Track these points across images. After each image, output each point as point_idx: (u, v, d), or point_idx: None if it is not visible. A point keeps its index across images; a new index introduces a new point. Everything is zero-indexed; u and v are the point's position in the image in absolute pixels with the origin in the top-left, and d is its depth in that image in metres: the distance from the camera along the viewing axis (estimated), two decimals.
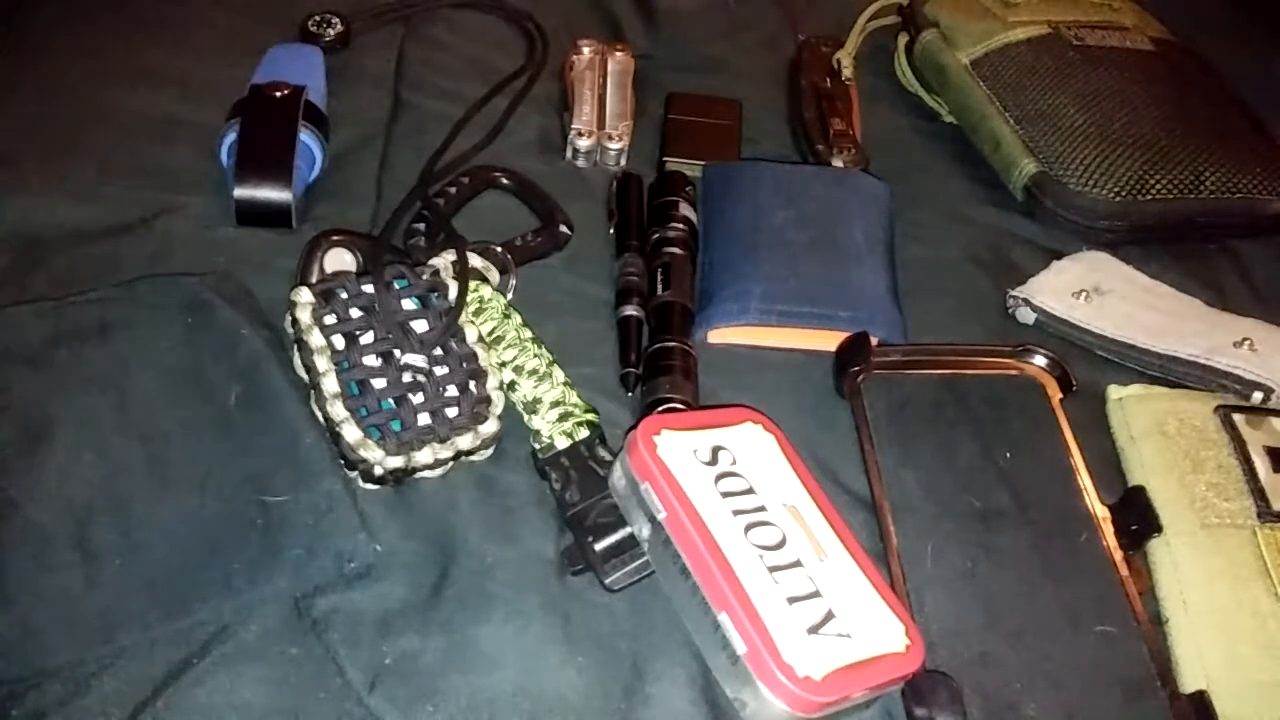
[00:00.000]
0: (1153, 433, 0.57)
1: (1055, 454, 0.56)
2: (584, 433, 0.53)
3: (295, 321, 0.54)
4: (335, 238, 0.60)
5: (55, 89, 0.70)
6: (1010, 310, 0.66)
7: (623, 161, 0.72)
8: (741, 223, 0.66)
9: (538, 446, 0.54)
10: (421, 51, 0.78)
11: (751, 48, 0.85)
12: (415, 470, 0.52)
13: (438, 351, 0.54)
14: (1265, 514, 0.53)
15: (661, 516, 0.47)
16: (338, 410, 0.51)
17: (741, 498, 0.48)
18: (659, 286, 0.62)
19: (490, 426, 0.53)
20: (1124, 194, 0.68)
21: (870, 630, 0.45)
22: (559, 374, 0.56)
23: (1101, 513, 0.54)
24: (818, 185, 0.68)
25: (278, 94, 0.65)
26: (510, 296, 0.61)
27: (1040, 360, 0.60)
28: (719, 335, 0.62)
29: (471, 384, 0.54)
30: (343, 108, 0.71)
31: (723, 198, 0.68)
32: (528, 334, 0.57)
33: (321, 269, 0.59)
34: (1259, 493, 0.53)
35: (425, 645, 0.47)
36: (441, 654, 0.47)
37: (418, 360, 0.53)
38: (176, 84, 0.71)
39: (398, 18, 0.81)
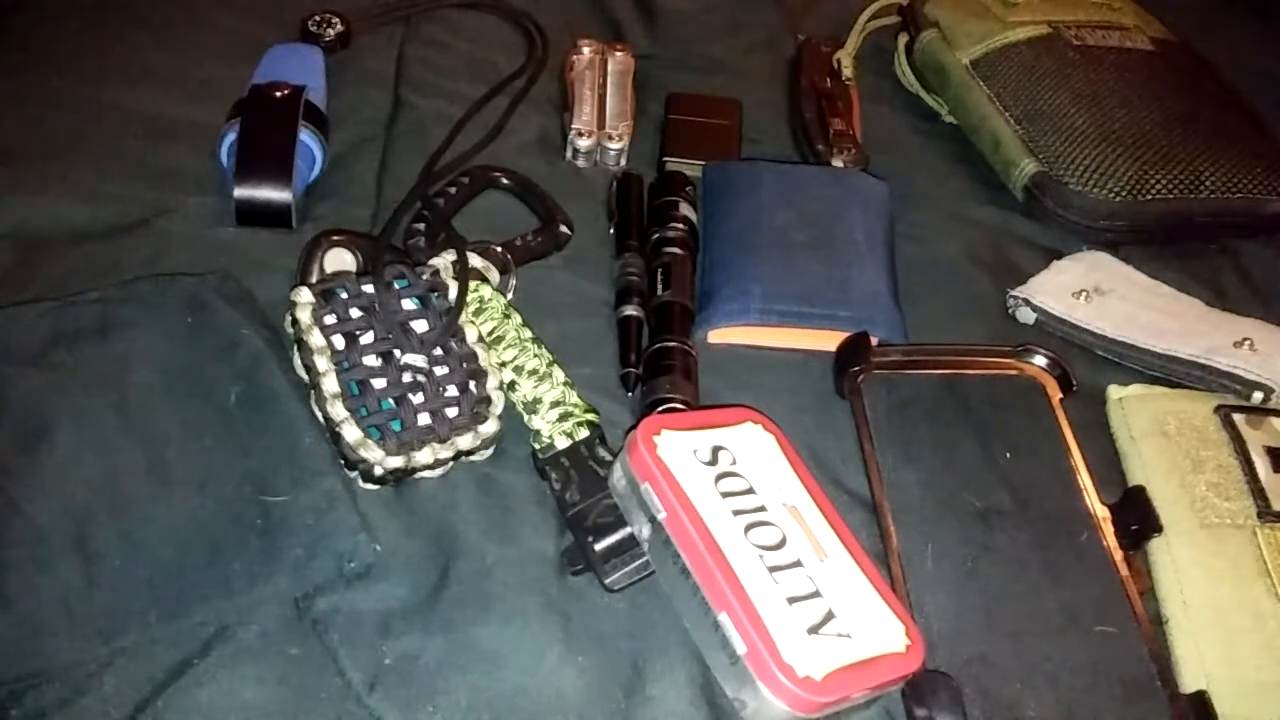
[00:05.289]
0: (1153, 433, 0.57)
1: (1055, 454, 0.56)
2: (584, 433, 0.53)
3: (295, 321, 0.54)
4: (335, 238, 0.60)
5: (55, 89, 0.70)
6: (1010, 310, 0.66)
7: (623, 161, 0.72)
8: (741, 223, 0.66)
9: (538, 446, 0.54)
10: (421, 51, 0.78)
11: (751, 48, 0.85)
12: (415, 470, 0.52)
13: (438, 351, 0.54)
14: (1265, 514, 0.53)
15: (661, 516, 0.47)
16: (338, 410, 0.51)
17: (741, 498, 0.48)
18: (659, 286, 0.62)
19: (490, 426, 0.53)
20: (1124, 194, 0.68)
21: (870, 630, 0.46)
22: (559, 374, 0.56)
23: (1101, 513, 0.54)
24: (818, 185, 0.68)
25: (278, 94, 0.65)
26: (510, 296, 0.61)
27: (1040, 360, 0.60)
28: (719, 335, 0.62)
29: (471, 384, 0.54)
30: (343, 108, 0.71)
31: (723, 198, 0.68)
32: (528, 334, 0.57)
33: (321, 269, 0.59)
34: (1259, 493, 0.53)
35: (425, 645, 0.47)
36: (441, 654, 0.47)
37: (418, 360, 0.53)
38: (176, 84, 0.71)
39: (398, 18, 0.80)
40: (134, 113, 0.69)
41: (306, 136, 0.65)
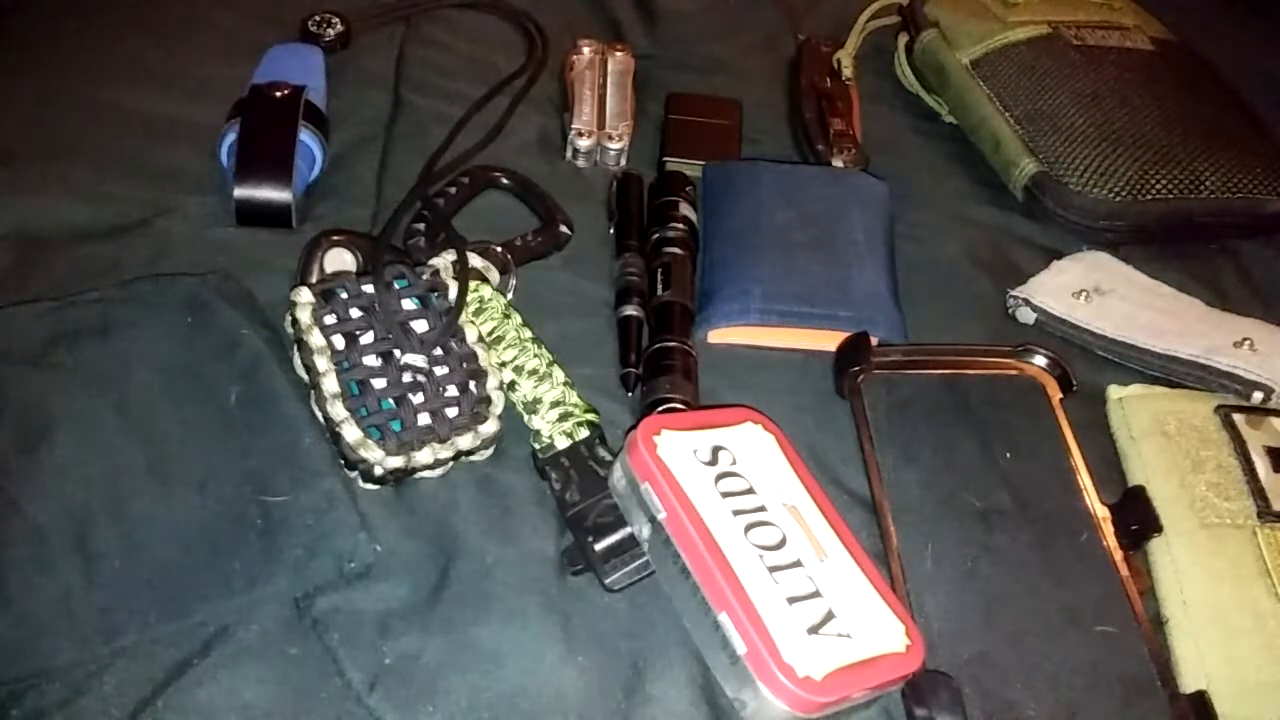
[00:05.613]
0: (1153, 433, 0.57)
1: (1055, 454, 0.56)
2: (584, 433, 0.53)
3: (295, 321, 0.54)
4: (335, 238, 0.60)
5: (55, 89, 0.70)
6: (1010, 310, 0.66)
7: (623, 161, 0.72)
8: (741, 223, 0.66)
9: (538, 446, 0.54)
10: (421, 51, 0.78)
11: (751, 48, 0.85)
12: (415, 470, 0.52)
13: (438, 351, 0.54)
14: (1265, 514, 0.53)
15: (661, 516, 0.47)
16: (338, 410, 0.51)
17: (741, 498, 0.48)
18: (659, 286, 0.62)
19: (490, 426, 0.53)
20: (1124, 194, 0.68)
21: (870, 630, 0.46)
22: (559, 374, 0.56)
23: (1101, 513, 0.54)
24: (818, 185, 0.68)
25: (278, 94, 0.65)
26: (510, 296, 0.61)
27: (1040, 360, 0.60)
28: (719, 335, 0.62)
29: (471, 384, 0.54)
30: (343, 108, 0.71)
31: (723, 197, 0.68)
32: (528, 334, 0.57)
33: (321, 269, 0.59)
34: (1259, 493, 0.53)
35: (425, 645, 0.47)
36: (441, 654, 0.47)
37: (418, 360, 0.53)
38: (176, 84, 0.71)
39: (398, 18, 0.80)
40: (134, 113, 0.69)
41: (306, 136, 0.65)
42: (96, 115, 0.68)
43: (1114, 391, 0.61)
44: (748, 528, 0.47)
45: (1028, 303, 0.65)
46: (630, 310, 0.61)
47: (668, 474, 0.48)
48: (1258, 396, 0.59)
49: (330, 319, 0.54)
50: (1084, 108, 0.72)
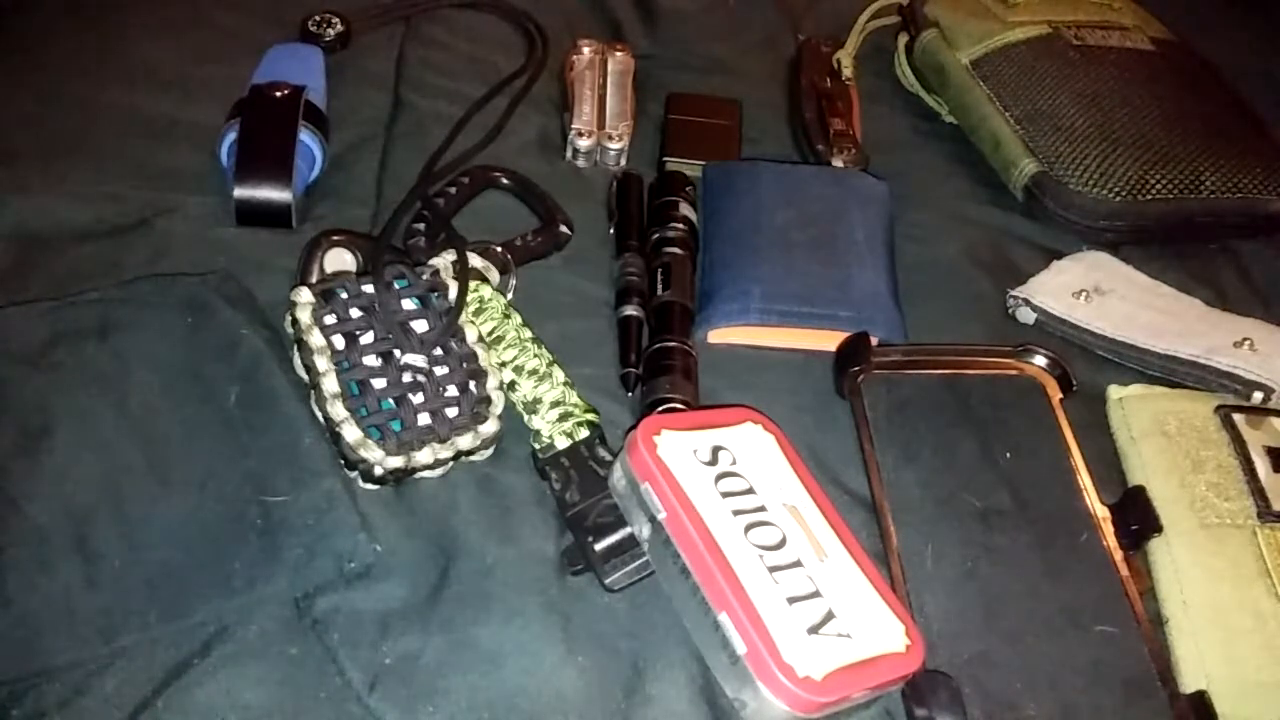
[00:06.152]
0: (1153, 433, 0.57)
1: (1055, 454, 0.56)
2: (584, 433, 0.53)
3: (295, 321, 0.54)
4: (335, 238, 0.60)
5: (55, 89, 0.70)
6: (1010, 310, 0.66)
7: (623, 161, 0.72)
8: (741, 223, 0.66)
9: (538, 446, 0.54)
10: (421, 51, 0.78)
11: (751, 48, 0.85)
12: (415, 470, 0.52)
13: (438, 351, 0.54)
14: (1265, 514, 0.53)
15: (661, 516, 0.47)
16: (338, 410, 0.51)
17: (741, 498, 0.48)
18: (659, 286, 0.62)
19: (490, 426, 0.53)
20: (1124, 194, 0.68)
21: (870, 630, 0.46)
22: (559, 374, 0.56)
23: (1101, 513, 0.54)
24: (818, 185, 0.68)
25: (278, 94, 0.65)
26: (510, 296, 0.61)
27: (1040, 360, 0.60)
28: (719, 335, 0.62)
29: (471, 384, 0.54)
30: (343, 108, 0.71)
31: (723, 197, 0.68)
32: (528, 334, 0.57)
33: (321, 269, 0.59)
34: (1259, 493, 0.53)
35: (425, 645, 0.47)
36: (441, 654, 0.47)
37: (418, 360, 0.53)
38: (176, 84, 0.71)
39: (398, 18, 0.80)
40: (134, 113, 0.69)
41: (306, 136, 0.65)
42: (96, 115, 0.68)
43: (1114, 391, 0.61)
44: (748, 528, 0.47)
45: (1028, 303, 0.65)
46: (630, 310, 0.61)
47: (668, 474, 0.48)
48: (1258, 396, 0.59)
49: (330, 319, 0.54)
50: (1084, 108, 0.72)
